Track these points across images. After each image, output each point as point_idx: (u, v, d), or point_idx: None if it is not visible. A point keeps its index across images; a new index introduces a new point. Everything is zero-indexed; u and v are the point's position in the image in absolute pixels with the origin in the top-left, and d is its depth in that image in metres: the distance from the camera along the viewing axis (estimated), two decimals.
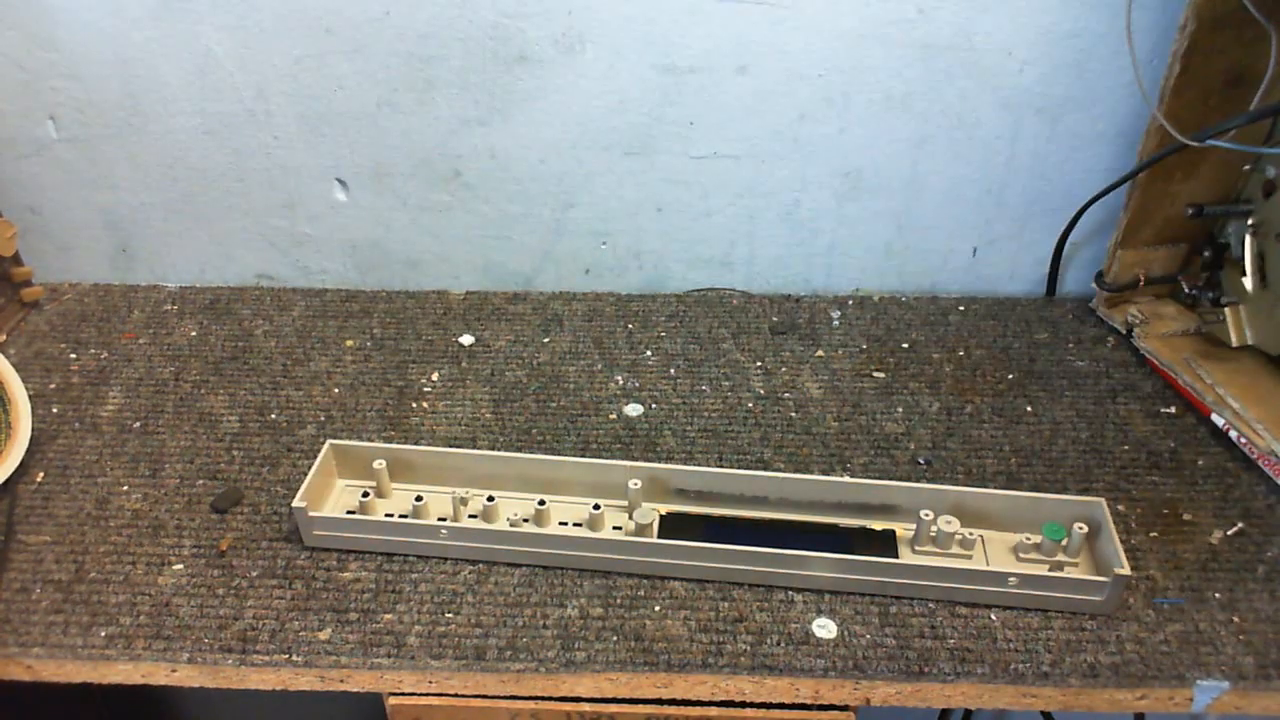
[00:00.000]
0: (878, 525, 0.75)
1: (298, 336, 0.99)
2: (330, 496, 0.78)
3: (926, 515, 0.72)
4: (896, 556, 0.72)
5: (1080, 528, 0.71)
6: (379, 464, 0.77)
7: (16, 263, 0.99)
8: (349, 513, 0.76)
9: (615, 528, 0.75)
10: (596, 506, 0.74)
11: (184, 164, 0.99)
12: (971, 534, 0.73)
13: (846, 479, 0.77)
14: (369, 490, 0.76)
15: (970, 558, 0.73)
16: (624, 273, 1.06)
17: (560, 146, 0.97)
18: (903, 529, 0.75)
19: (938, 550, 0.73)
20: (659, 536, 0.73)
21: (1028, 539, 0.72)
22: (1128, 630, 0.69)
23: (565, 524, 0.75)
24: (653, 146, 0.96)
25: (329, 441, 0.77)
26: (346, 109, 0.95)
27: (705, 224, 1.02)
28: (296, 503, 0.72)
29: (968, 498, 0.74)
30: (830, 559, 0.70)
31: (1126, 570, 0.67)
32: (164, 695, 1.36)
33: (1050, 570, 0.70)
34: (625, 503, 0.76)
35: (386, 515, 0.76)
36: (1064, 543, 0.72)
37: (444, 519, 0.74)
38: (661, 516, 0.75)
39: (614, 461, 0.77)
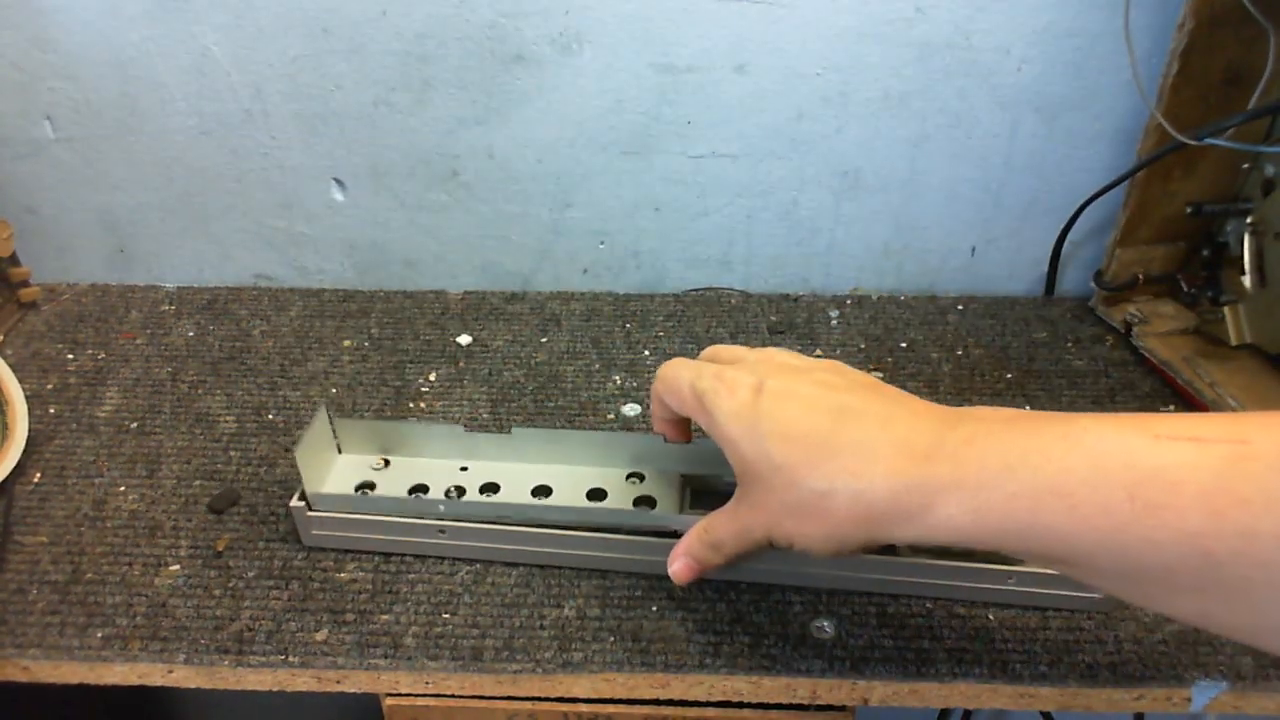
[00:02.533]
0: None
1: (295, 337, 0.99)
2: (333, 472, 0.76)
3: None
4: (895, 553, 0.72)
5: None
6: (376, 463, 0.76)
7: (14, 263, 0.99)
8: (346, 511, 0.75)
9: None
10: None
11: (181, 164, 0.99)
12: None
13: None
14: (364, 489, 0.76)
15: (969, 555, 0.72)
16: (622, 272, 1.05)
17: (558, 146, 0.97)
18: None
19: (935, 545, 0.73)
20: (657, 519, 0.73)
21: None
22: (1126, 630, 0.69)
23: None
24: (650, 146, 0.96)
25: (321, 411, 0.75)
26: (344, 109, 0.95)
27: (703, 223, 1.01)
28: (294, 503, 0.72)
29: None
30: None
31: None
32: (161, 696, 1.36)
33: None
34: (626, 472, 0.76)
35: (382, 514, 0.75)
36: None
37: (448, 491, 0.73)
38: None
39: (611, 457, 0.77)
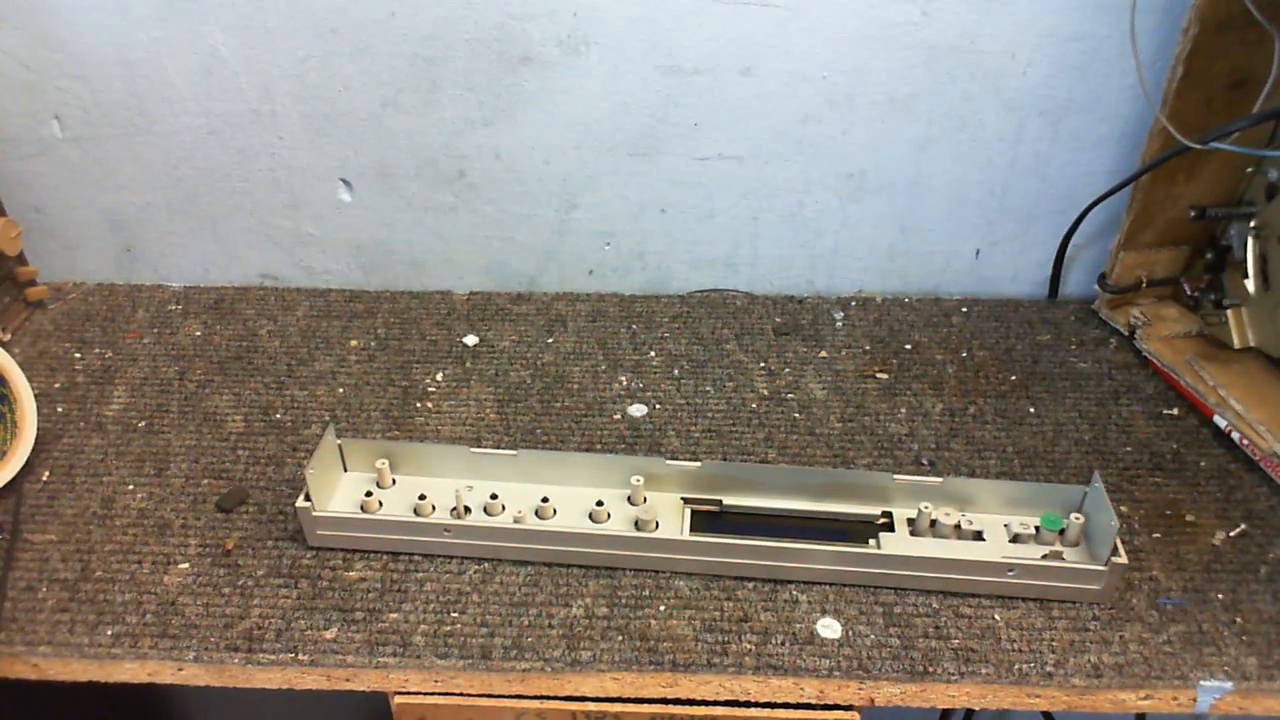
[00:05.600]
0: (877, 516, 0.75)
1: (302, 336, 0.99)
2: (339, 490, 0.78)
3: (926, 507, 0.73)
4: (895, 548, 0.73)
5: (1077, 517, 0.73)
6: (381, 463, 0.77)
7: (21, 262, 0.99)
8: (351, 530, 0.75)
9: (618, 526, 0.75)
10: (600, 503, 0.75)
11: (189, 164, 0.99)
12: (970, 522, 0.74)
13: (845, 470, 0.78)
14: (371, 490, 0.76)
15: (969, 549, 0.73)
16: (627, 274, 1.06)
17: (564, 148, 0.97)
18: (901, 518, 0.75)
19: (936, 540, 0.73)
20: (660, 533, 0.74)
21: (1025, 529, 0.73)
22: (1131, 631, 0.69)
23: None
24: (657, 148, 0.97)
25: (329, 431, 0.77)
26: (351, 109, 0.95)
27: (709, 225, 1.02)
28: (300, 503, 0.73)
29: (967, 487, 0.75)
30: (831, 551, 0.71)
31: (1123, 557, 0.68)
32: (170, 694, 1.36)
33: (1048, 559, 0.71)
34: (628, 493, 0.77)
35: (389, 514, 0.76)
36: (1062, 532, 0.73)
37: (453, 510, 0.74)
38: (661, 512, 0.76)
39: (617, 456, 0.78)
